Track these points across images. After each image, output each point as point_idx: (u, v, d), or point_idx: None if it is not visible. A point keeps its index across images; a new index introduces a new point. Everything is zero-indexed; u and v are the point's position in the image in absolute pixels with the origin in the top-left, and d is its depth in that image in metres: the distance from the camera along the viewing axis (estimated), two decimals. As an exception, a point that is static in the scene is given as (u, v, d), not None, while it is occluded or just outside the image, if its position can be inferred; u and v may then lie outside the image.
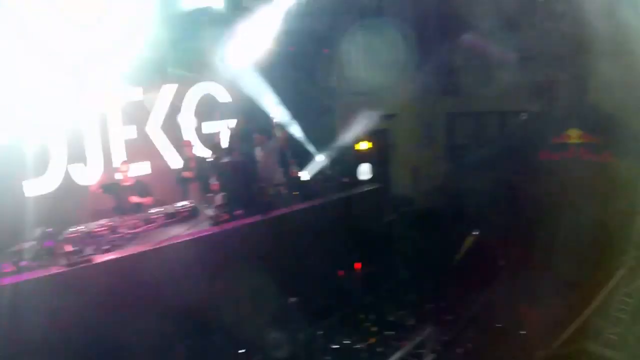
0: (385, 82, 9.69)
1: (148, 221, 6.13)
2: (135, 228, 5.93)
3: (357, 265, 8.00)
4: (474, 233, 8.89)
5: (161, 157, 7.76)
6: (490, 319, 6.67)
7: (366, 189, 8.43)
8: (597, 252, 6.93)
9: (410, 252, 8.54)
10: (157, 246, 5.42)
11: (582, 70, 9.71)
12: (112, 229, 5.77)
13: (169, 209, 6.44)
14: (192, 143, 7.70)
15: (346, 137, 9.00)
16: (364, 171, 8.71)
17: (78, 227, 5.63)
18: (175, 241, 5.63)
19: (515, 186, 9.58)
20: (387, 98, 9.90)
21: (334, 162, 8.63)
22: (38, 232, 5.21)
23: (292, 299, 6.42)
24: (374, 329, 6.77)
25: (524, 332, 6.22)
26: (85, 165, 6.93)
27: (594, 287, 6.05)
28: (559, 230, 8.04)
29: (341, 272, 7.79)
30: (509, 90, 10.39)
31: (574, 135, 10.00)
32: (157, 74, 7.57)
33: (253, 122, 8.36)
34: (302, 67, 9.18)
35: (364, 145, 9.15)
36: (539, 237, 8.11)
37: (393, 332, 6.61)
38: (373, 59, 10.14)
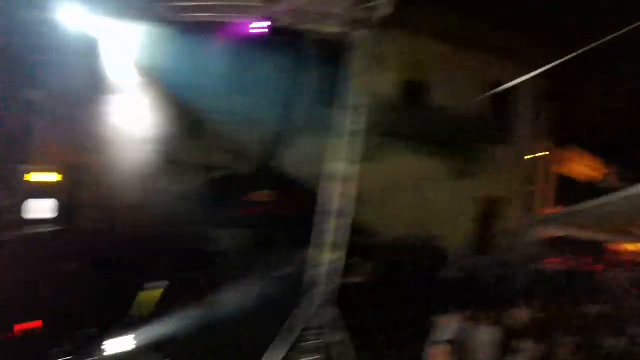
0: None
1: None
2: None
3: (20, 327, 6.93)
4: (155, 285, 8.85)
5: None
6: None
7: (38, 231, 7.45)
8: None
9: (84, 309, 7.74)
10: None
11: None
12: None
13: None
14: None
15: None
16: (43, 208, 8.00)
17: None
18: None
19: (210, 240, 10.45)
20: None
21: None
22: None
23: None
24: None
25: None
26: None
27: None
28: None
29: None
30: (212, 145, 11.36)
31: (265, 194, 11.62)
32: None
33: None
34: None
35: (51, 177, 8.36)
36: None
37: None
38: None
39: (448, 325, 7.30)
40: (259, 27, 9.25)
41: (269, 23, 8.75)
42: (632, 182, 12.98)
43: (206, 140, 10.99)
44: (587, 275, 13.51)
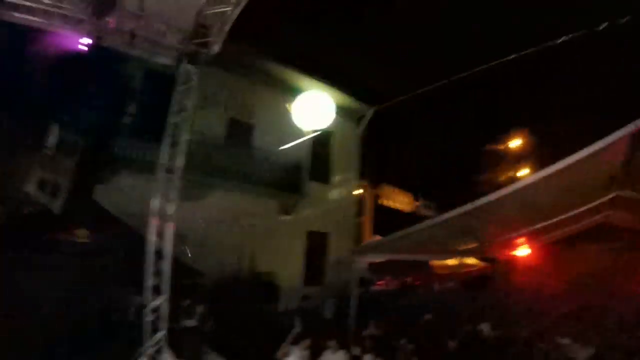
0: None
1: None
2: None
3: None
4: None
5: None
6: None
7: None
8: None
9: None
10: None
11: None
12: None
13: None
14: None
15: None
16: None
17: None
18: None
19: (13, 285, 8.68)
20: None
21: None
22: None
23: None
24: None
25: None
26: None
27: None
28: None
29: None
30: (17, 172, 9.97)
31: (79, 233, 10.35)
32: None
33: None
34: None
35: None
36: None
37: None
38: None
39: (290, 357, 7.38)
40: (86, 43, 8.47)
41: (92, 40, 8.02)
42: (435, 211, 15.83)
43: (9, 164, 9.41)
44: (409, 291, 15.30)
